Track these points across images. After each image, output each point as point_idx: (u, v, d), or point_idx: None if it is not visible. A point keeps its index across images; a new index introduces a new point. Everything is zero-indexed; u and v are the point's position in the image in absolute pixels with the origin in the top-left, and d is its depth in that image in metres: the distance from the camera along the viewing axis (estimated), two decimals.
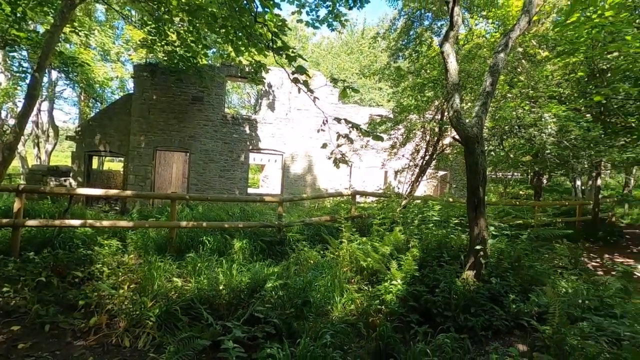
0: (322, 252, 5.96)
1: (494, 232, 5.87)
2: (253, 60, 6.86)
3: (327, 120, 2.88)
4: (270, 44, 3.28)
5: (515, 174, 19.50)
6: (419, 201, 7.79)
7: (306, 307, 4.13)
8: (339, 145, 3.42)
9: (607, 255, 9.17)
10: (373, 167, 14.34)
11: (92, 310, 3.88)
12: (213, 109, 13.33)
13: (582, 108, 8.35)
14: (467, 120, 4.72)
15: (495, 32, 10.34)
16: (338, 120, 2.73)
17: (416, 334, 3.79)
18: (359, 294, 4.83)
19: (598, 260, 8.62)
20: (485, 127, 10.50)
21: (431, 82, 7.83)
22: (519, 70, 9.15)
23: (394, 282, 4.59)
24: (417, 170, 7.56)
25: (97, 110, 21.77)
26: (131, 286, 4.42)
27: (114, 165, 36.00)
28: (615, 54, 7.88)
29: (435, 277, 4.55)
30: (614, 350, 2.54)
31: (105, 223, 5.77)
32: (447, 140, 8.77)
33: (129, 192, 6.36)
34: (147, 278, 4.42)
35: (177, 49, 9.87)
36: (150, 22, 9.03)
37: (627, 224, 14.68)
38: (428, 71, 7.94)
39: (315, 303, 4.33)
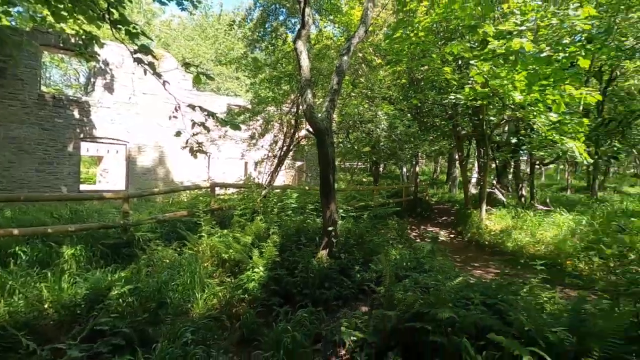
0: (179, 250, 5.56)
1: (342, 214, 6.68)
2: (81, 31, 5.66)
3: (179, 107, 2.66)
4: (105, 14, 2.79)
5: (359, 163, 22.44)
6: (278, 190, 8.13)
7: (162, 310, 3.82)
8: (194, 134, 3.24)
9: (422, 227, 11.67)
10: (233, 158, 14.09)
11: None
12: (23, 85, 10.47)
13: (405, 109, 10.29)
14: (318, 115, 5.17)
15: (341, 37, 11.58)
16: (192, 107, 2.57)
17: (278, 315, 4.00)
18: (221, 286, 4.75)
19: (417, 230, 10.87)
20: (334, 121, 11.74)
21: (287, 76, 8.20)
22: (360, 73, 10.54)
23: (256, 269, 4.70)
24: (275, 160, 7.85)
25: None
26: None
27: None
28: (426, 67, 9.98)
29: (294, 260, 4.87)
30: (425, 297, 3.31)
31: None
32: (303, 133, 9.41)
33: None
34: None
35: None
36: None
37: (435, 201, 18.86)
38: (284, 65, 8.30)
39: (173, 304, 4.04)
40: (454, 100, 8.40)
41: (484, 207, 10.79)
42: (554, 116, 7.79)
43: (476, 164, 15.55)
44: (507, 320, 2.92)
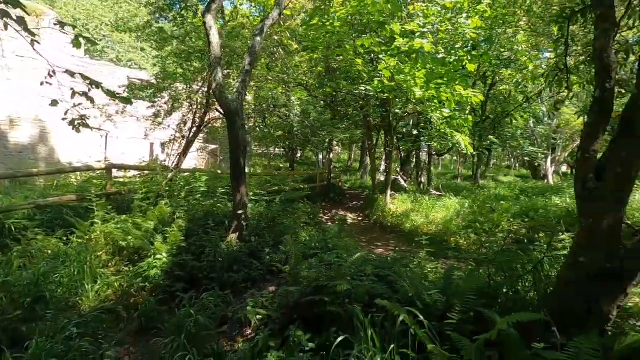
0: (65, 239, 4.93)
1: (255, 198, 6.65)
2: None
3: (54, 72, 2.27)
4: None
5: (277, 149, 22.39)
6: (187, 174, 7.68)
7: (40, 305, 3.37)
8: (76, 105, 2.84)
9: (334, 210, 12.28)
10: (136, 138, 12.77)
11: None
12: None
13: (320, 96, 10.56)
14: (229, 95, 5.01)
15: (258, 17, 11.24)
16: (71, 74, 2.22)
17: (182, 301, 3.86)
18: (117, 276, 4.41)
19: (329, 214, 11.40)
20: (250, 104, 11.47)
21: (198, 52, 7.69)
22: (277, 56, 10.43)
23: (158, 256, 4.44)
24: (184, 142, 7.37)
25: None
26: None
27: None
28: (341, 57, 10.33)
29: (201, 244, 4.73)
30: (327, 273, 3.55)
31: None
32: (218, 114, 8.99)
33: None
34: None
35: None
36: None
37: (348, 187, 19.92)
38: (194, 40, 7.74)
39: (55, 298, 3.61)
40: (364, 92, 8.90)
41: (389, 192, 11.81)
42: (446, 112, 8.85)
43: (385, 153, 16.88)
44: (396, 288, 3.31)
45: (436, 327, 2.63)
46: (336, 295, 3.13)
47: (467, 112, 14.48)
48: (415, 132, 12.23)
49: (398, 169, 14.88)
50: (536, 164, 21.74)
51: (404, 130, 14.68)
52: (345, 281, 3.15)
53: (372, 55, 10.40)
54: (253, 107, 10.62)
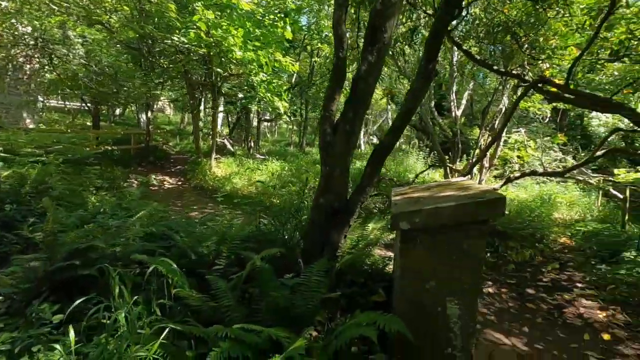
0: None
1: (5, 156, 5.22)
2: None
3: None
4: None
5: (84, 106, 18.34)
6: None
7: None
8: None
9: (152, 175, 11.12)
10: None
11: None
12: None
13: (126, 40, 8.96)
14: None
15: None
16: None
17: None
18: None
19: (144, 178, 10.24)
20: (24, 36, 8.71)
21: None
22: None
23: None
24: None
25: None
26: None
27: None
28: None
29: None
30: (97, 236, 3.16)
31: None
32: None
33: None
34: None
35: None
36: None
37: (177, 151, 18.34)
38: None
39: None
40: (178, 42, 8.08)
41: (214, 155, 11.53)
42: (264, 76, 9.07)
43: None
44: (175, 244, 3.26)
45: (203, 274, 2.73)
46: (106, 258, 2.83)
47: (294, 80, 15.34)
48: (240, 95, 12.14)
49: (224, 133, 14.64)
50: None
51: (231, 91, 14.35)
52: (109, 243, 2.87)
53: (190, 6, 9.48)
54: (33, 42, 8.10)
